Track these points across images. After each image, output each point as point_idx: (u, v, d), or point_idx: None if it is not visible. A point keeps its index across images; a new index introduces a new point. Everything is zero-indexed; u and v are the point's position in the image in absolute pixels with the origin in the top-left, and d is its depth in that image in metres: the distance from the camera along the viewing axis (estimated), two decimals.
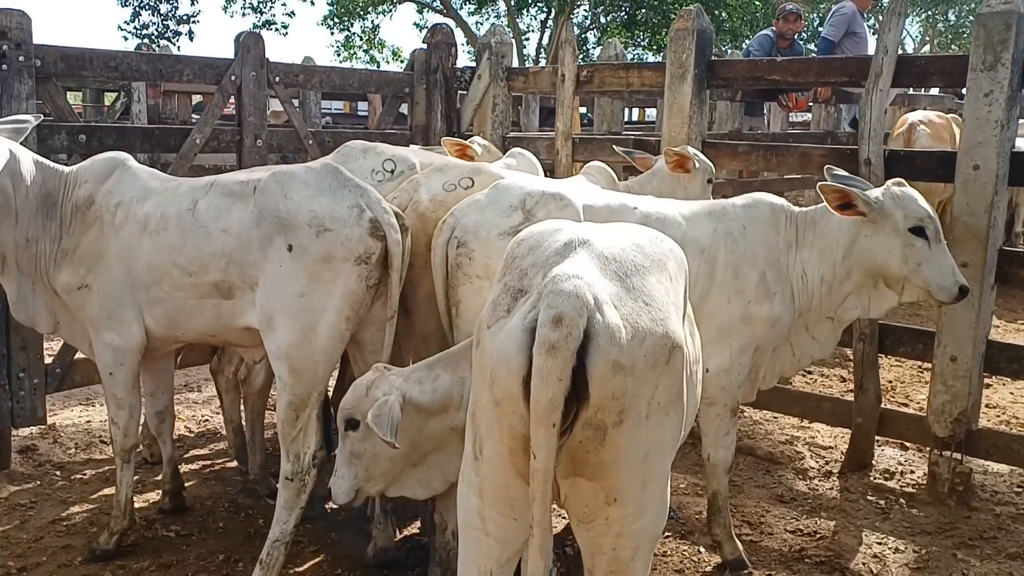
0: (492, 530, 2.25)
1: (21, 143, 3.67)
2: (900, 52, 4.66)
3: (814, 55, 10.51)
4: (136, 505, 4.02)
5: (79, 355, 4.76)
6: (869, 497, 4.63)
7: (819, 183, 3.53)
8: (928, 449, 4.72)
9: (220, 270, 3.47)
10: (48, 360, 4.81)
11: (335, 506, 3.22)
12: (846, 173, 3.93)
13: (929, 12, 33.46)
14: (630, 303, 2.09)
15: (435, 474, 3.17)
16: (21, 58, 4.44)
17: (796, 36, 9.16)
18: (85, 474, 4.68)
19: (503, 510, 2.22)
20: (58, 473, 4.67)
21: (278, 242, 3.35)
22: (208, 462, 4.93)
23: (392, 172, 4.05)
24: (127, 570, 3.71)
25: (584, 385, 2.00)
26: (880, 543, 4.15)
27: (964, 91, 4.48)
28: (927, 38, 36.39)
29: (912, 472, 4.89)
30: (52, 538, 3.96)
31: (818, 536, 4.20)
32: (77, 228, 3.62)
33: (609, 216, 3.50)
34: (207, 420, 5.56)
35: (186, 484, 4.39)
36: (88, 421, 5.40)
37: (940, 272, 3.50)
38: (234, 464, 4.79)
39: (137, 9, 22.23)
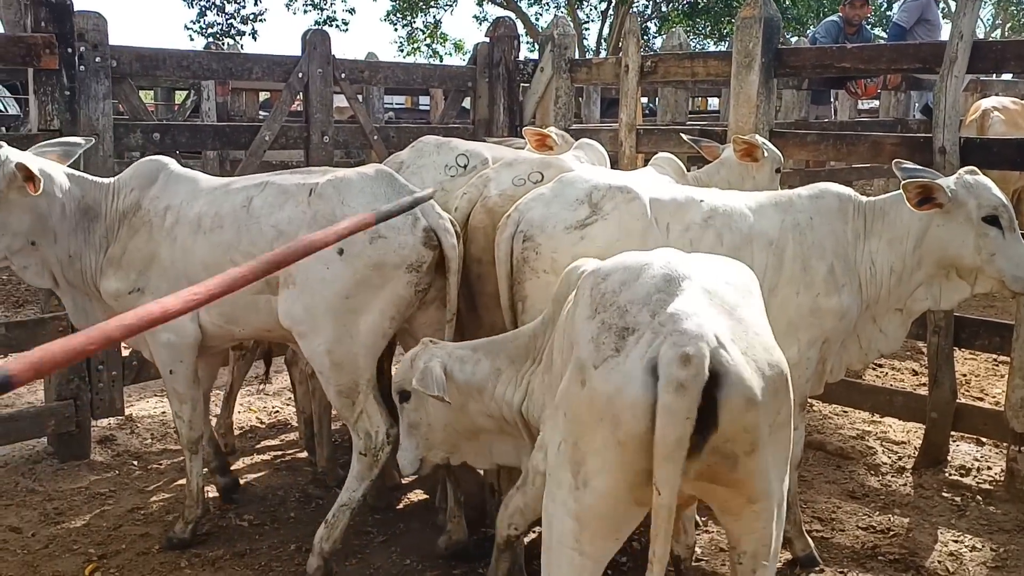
0: (589, 550, 2.28)
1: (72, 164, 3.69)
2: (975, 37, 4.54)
3: (883, 41, 10.27)
4: (210, 495, 4.12)
5: None
6: (944, 494, 4.53)
7: (903, 183, 3.43)
8: (1006, 445, 4.60)
9: None
10: (125, 353, 4.96)
11: (404, 479, 3.38)
12: (914, 165, 3.82)
13: None
14: (744, 337, 2.17)
15: (488, 450, 3.32)
16: (98, 59, 4.57)
17: (863, 22, 8.95)
18: (161, 464, 4.80)
19: (607, 535, 2.27)
20: (135, 463, 4.81)
21: None
22: (279, 452, 5.03)
23: (465, 167, 4.08)
24: (202, 558, 3.80)
25: (712, 418, 2.04)
26: (956, 541, 4.06)
27: None
28: (999, 21, 35.28)
29: (989, 468, 4.77)
30: (131, 526, 4.08)
31: (891, 533, 4.12)
32: (124, 235, 3.67)
33: (676, 209, 3.46)
34: (277, 411, 5.66)
35: (258, 474, 4.48)
36: (163, 412, 5.53)
37: (1014, 262, 3.40)
38: (304, 455, 4.88)
39: (204, 8, 22.62)
